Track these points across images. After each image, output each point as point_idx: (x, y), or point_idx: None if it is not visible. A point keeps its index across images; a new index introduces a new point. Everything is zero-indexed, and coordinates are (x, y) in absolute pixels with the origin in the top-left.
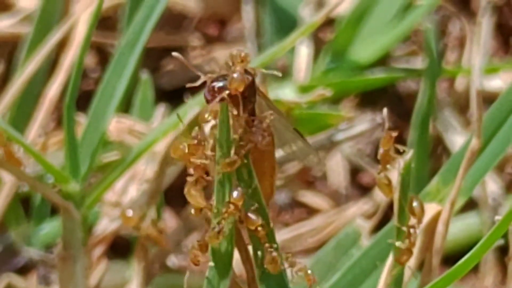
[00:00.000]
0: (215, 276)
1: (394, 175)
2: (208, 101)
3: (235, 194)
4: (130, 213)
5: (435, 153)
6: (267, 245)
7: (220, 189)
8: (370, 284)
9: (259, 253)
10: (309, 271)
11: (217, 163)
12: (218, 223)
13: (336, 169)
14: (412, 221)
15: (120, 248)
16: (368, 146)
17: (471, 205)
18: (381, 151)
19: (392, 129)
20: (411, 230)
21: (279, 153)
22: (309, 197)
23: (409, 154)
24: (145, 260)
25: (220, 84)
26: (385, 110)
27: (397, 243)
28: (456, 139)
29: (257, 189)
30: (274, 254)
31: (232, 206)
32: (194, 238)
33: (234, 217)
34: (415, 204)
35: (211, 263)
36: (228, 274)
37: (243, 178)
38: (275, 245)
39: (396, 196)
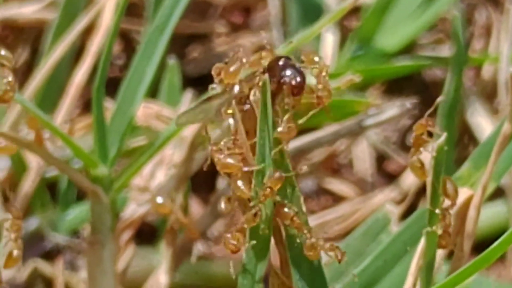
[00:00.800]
0: (252, 259)
1: (426, 159)
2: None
3: (276, 175)
4: (160, 200)
5: (461, 141)
6: (306, 232)
7: (259, 173)
8: (401, 269)
9: (291, 235)
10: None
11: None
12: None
13: (362, 156)
14: (445, 204)
15: (146, 234)
16: (394, 133)
17: (498, 193)
18: (414, 135)
19: (419, 117)
20: (445, 213)
21: (303, 140)
22: (335, 185)
23: (442, 137)
24: (173, 246)
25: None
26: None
27: (432, 228)
28: (483, 127)
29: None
30: (313, 240)
31: (268, 190)
32: (220, 225)
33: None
34: (448, 186)
35: (249, 246)
36: (266, 257)
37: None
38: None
39: (429, 179)
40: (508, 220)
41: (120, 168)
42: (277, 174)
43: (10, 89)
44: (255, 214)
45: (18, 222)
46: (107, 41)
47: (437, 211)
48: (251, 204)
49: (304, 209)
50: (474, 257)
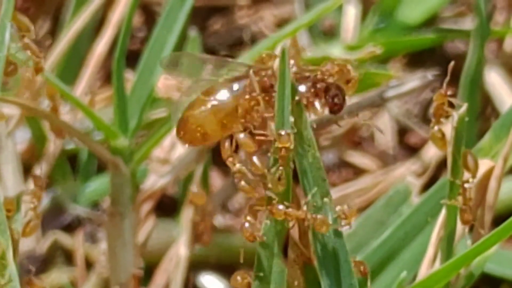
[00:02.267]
0: (271, 230)
1: (447, 131)
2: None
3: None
4: (195, 189)
5: (483, 114)
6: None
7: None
8: (422, 240)
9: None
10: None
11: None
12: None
13: (383, 129)
14: (466, 177)
15: (167, 206)
16: (416, 106)
17: None
18: (434, 104)
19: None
20: (466, 185)
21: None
22: (357, 158)
23: (463, 108)
24: (192, 219)
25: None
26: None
27: (452, 200)
28: (505, 100)
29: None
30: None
31: (284, 150)
32: (241, 197)
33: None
34: (469, 159)
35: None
36: (284, 227)
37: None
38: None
39: (449, 150)
40: None
41: (140, 139)
42: (283, 132)
43: (39, 61)
44: (279, 178)
45: (39, 192)
46: (127, 13)
47: (457, 182)
48: (272, 170)
49: (326, 180)
50: (494, 229)
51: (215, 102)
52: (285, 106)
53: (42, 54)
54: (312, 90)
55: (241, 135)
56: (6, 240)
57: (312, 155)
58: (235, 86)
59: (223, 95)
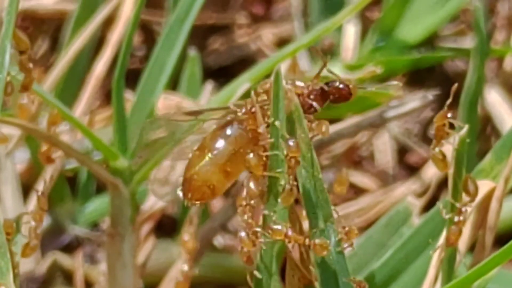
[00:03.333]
0: (269, 251)
1: (448, 151)
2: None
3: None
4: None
5: (483, 133)
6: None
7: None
8: (423, 261)
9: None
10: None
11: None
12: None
13: (383, 148)
14: (465, 199)
15: (167, 226)
16: (416, 125)
17: None
18: (434, 126)
19: (441, 109)
20: (463, 209)
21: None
22: (357, 177)
23: (464, 129)
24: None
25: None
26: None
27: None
28: (505, 119)
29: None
30: (320, 240)
31: (293, 161)
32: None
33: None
34: (469, 184)
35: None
36: (283, 248)
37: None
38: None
39: (451, 171)
40: None
41: (140, 160)
42: (291, 142)
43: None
44: (291, 189)
45: (41, 212)
46: (127, 32)
47: (457, 205)
48: (281, 182)
49: (329, 201)
50: (496, 251)
51: (213, 153)
52: (279, 130)
53: (34, 73)
54: (312, 95)
55: (251, 155)
56: (6, 263)
57: (315, 177)
58: (228, 131)
59: (218, 144)
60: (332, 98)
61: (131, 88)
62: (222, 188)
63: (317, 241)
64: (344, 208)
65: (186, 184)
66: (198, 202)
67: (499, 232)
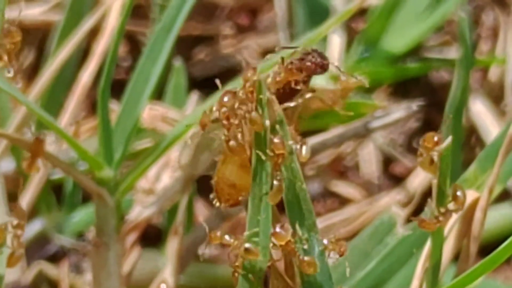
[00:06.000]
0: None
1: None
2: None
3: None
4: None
5: (468, 143)
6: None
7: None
8: (407, 271)
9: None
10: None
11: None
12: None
13: (368, 159)
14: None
15: (152, 236)
16: (400, 136)
17: (505, 195)
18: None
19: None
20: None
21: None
22: (342, 187)
23: (448, 139)
24: (178, 249)
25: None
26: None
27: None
28: (490, 129)
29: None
30: (308, 258)
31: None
32: (226, 227)
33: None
34: (458, 193)
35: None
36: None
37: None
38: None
39: (435, 181)
40: None
41: (125, 170)
42: (276, 139)
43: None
44: (279, 189)
45: (21, 222)
46: (112, 43)
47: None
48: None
49: (313, 211)
50: (480, 260)
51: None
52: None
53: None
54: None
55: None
56: None
57: (298, 187)
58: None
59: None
60: (307, 67)
61: (117, 98)
62: (246, 183)
63: (305, 258)
64: (328, 218)
65: (214, 191)
66: (231, 204)
67: (483, 242)
